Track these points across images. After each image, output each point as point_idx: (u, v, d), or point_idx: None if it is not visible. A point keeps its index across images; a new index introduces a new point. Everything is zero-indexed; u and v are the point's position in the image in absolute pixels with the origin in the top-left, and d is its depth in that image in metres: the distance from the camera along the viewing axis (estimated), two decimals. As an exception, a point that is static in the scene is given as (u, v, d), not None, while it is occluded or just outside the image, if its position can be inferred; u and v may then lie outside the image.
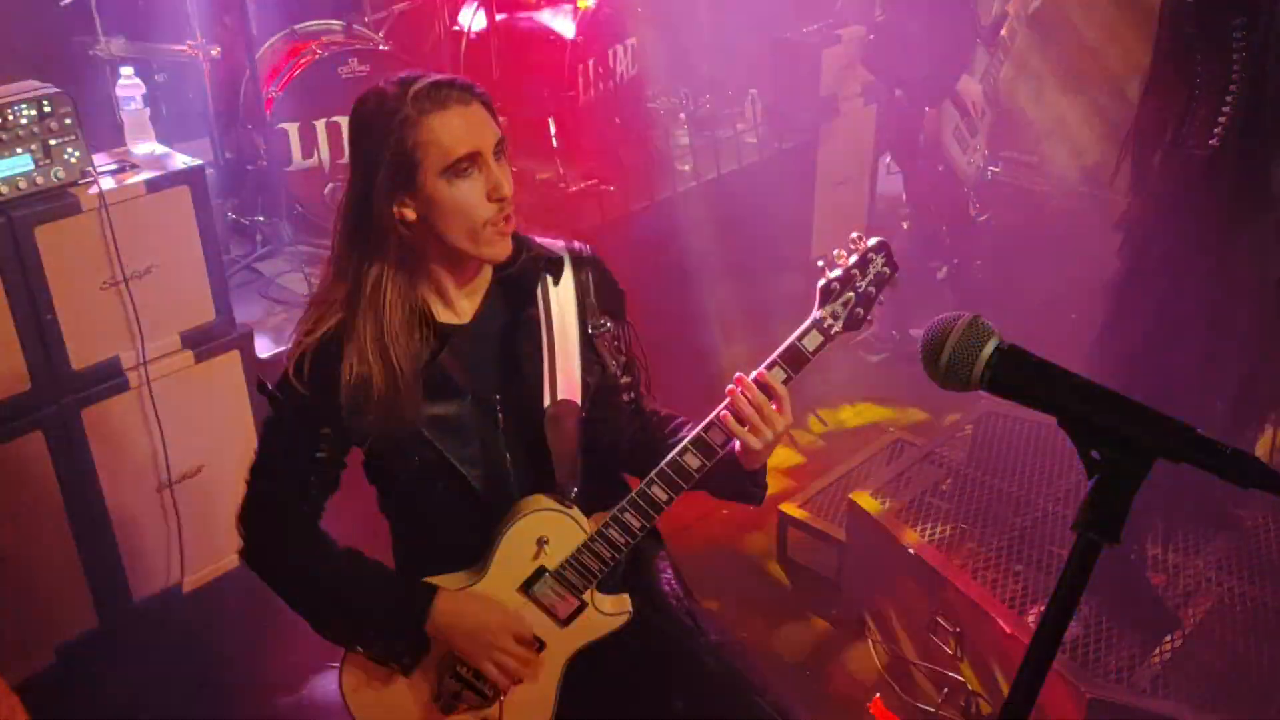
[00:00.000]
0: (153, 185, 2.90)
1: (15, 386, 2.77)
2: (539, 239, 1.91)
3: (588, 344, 1.86)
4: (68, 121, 2.76)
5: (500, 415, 1.82)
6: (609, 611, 1.87)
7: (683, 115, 4.92)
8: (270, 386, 1.84)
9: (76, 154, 2.79)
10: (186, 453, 3.09)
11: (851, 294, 1.74)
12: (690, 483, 1.76)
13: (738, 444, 1.75)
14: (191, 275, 3.05)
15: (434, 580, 1.84)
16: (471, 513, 1.84)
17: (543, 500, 1.83)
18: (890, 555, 2.96)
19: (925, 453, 3.37)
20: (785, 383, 1.73)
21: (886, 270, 1.76)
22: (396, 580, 1.85)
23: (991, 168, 4.36)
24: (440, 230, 1.69)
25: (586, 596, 1.84)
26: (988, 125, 4.27)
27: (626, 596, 1.88)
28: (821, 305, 1.74)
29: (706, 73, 5.24)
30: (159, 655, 3.02)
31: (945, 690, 2.74)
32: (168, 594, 3.16)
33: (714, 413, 1.76)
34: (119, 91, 3.06)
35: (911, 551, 2.87)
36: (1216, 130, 2.26)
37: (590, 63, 4.49)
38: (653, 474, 1.76)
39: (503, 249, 1.74)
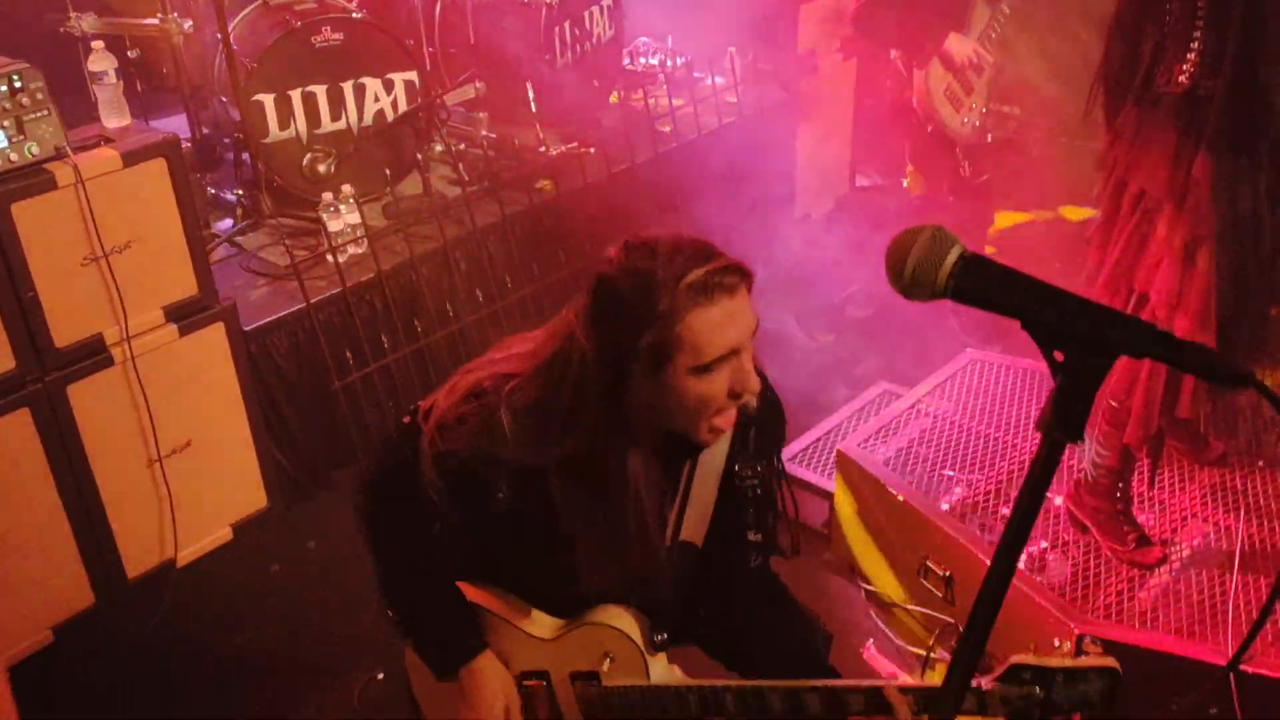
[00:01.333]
0: (129, 159, 2.89)
1: (-1, 365, 2.77)
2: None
3: (729, 486, 1.73)
4: (39, 97, 2.74)
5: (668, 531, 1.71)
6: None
7: (661, 76, 4.90)
8: (409, 420, 1.72)
9: (50, 129, 2.77)
10: (175, 427, 3.10)
11: (1035, 692, 1.47)
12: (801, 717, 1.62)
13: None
14: (172, 250, 3.04)
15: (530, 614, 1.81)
16: (562, 593, 1.77)
17: (637, 627, 1.75)
18: (880, 504, 2.98)
19: (912, 402, 3.39)
20: None
21: (1097, 701, 1.46)
22: (465, 625, 1.80)
23: (991, 131, 4.26)
24: (662, 411, 1.53)
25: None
26: (987, 82, 4.17)
27: (677, 669, 1.82)
28: (997, 680, 1.49)
29: (684, 33, 5.21)
30: (156, 631, 3.04)
31: (937, 633, 2.77)
32: (162, 569, 3.17)
33: (867, 684, 1.58)
34: (91, 67, 3.04)
35: (900, 499, 2.89)
36: (1186, 68, 2.26)
37: (566, 25, 4.47)
38: (744, 688, 1.63)
39: (712, 439, 1.58)
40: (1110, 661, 1.44)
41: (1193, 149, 2.32)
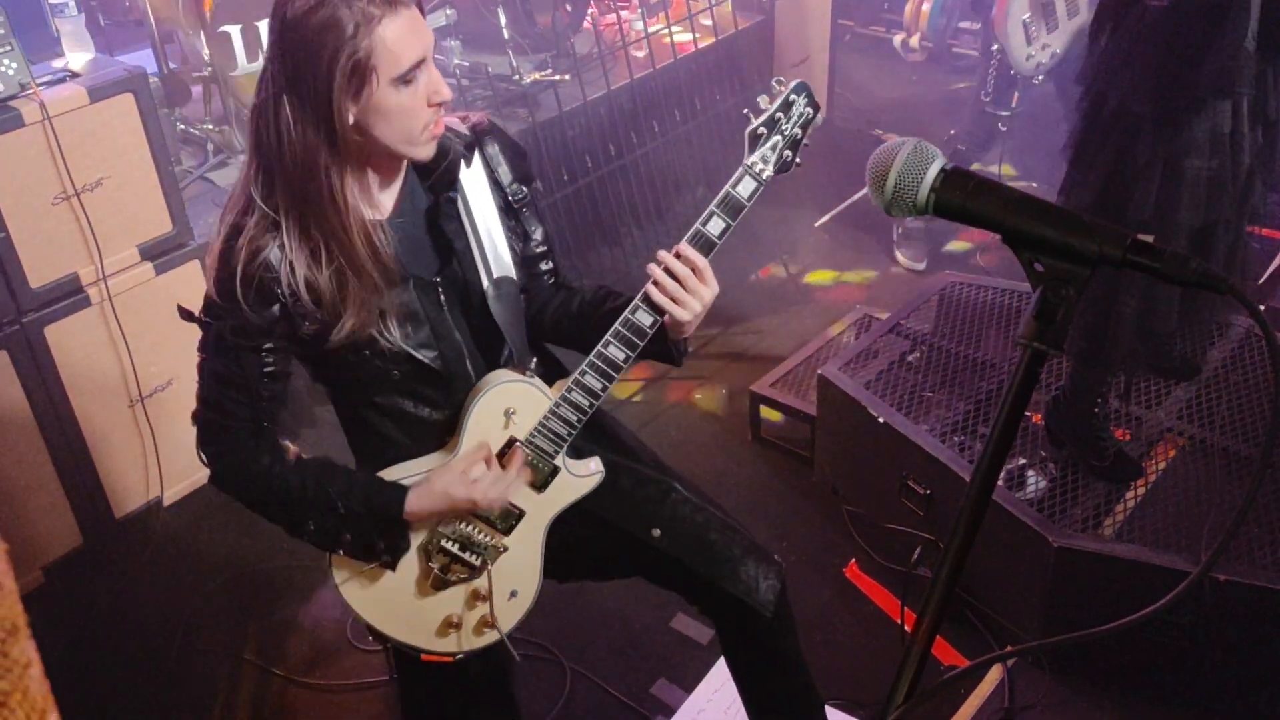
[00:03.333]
0: (95, 94, 2.84)
1: (-27, 308, 2.75)
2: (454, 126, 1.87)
3: (509, 213, 1.90)
4: (1, 32, 2.68)
5: (443, 296, 1.84)
6: (581, 474, 1.92)
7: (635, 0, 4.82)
8: (197, 313, 1.78)
9: (14, 66, 2.71)
10: (156, 366, 3.09)
11: (778, 137, 1.78)
12: (645, 339, 1.79)
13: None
14: (144, 186, 3.00)
15: (407, 464, 1.87)
16: (434, 393, 1.86)
17: (505, 374, 1.87)
18: (861, 426, 3.01)
19: (891, 325, 3.40)
20: (724, 232, 1.77)
21: (809, 110, 1.79)
22: (365, 481, 1.84)
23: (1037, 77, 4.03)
24: (378, 134, 1.65)
25: (558, 461, 1.89)
26: (1075, 26, 3.92)
27: (597, 458, 1.94)
28: (751, 151, 1.77)
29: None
30: (146, 569, 3.06)
31: (919, 549, 2.82)
32: (149, 508, 3.19)
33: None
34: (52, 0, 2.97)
35: (881, 420, 2.92)
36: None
37: (537, -51, 4.38)
38: (608, 335, 1.80)
39: (432, 149, 1.73)
40: (795, 81, 1.79)
41: (1174, 64, 2.31)
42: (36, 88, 2.74)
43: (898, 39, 5.72)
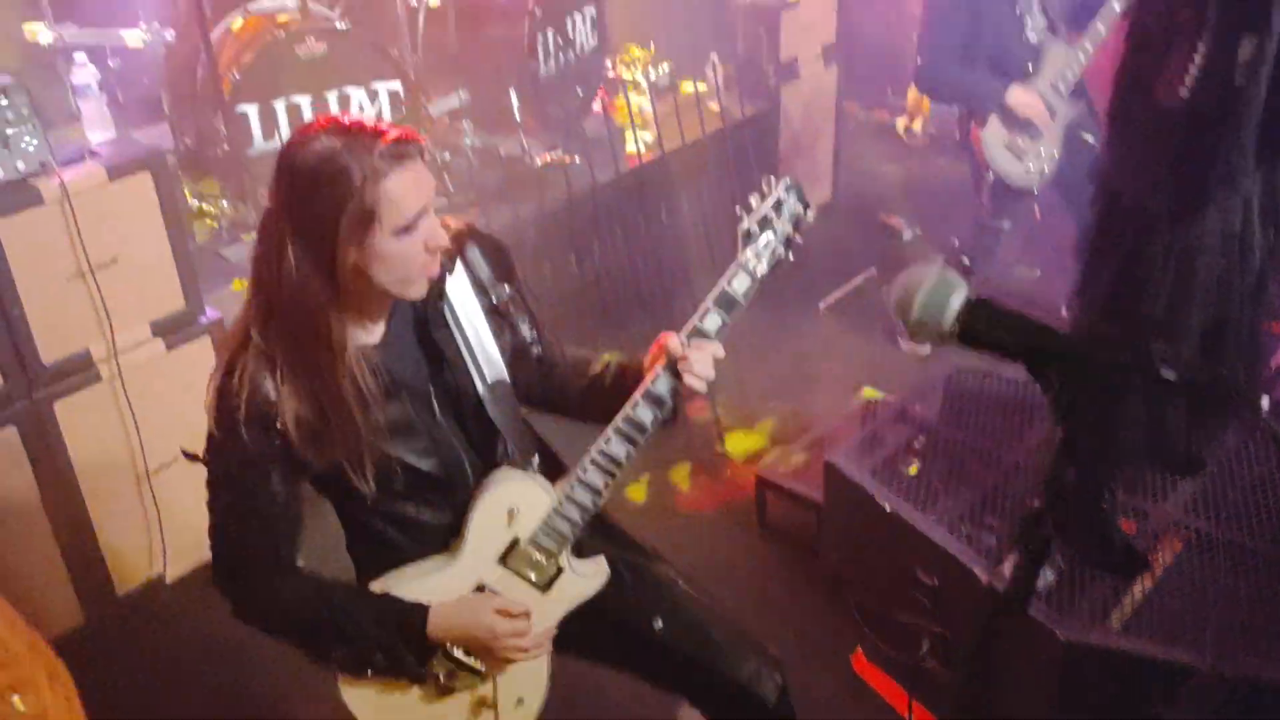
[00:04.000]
0: (114, 173, 2.88)
1: (-14, 382, 2.76)
2: None
3: (495, 314, 1.93)
4: (24, 112, 2.72)
5: (436, 404, 1.85)
6: (586, 573, 1.91)
7: (645, 83, 4.91)
8: (201, 454, 1.79)
9: (35, 143, 2.75)
10: (163, 443, 3.08)
11: (770, 234, 1.84)
12: (646, 435, 1.81)
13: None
14: (158, 263, 3.03)
15: (410, 566, 1.86)
16: (435, 497, 1.87)
17: (507, 472, 1.88)
18: (867, 514, 3.00)
19: (897, 411, 3.41)
20: (721, 328, 1.81)
21: (800, 207, 1.87)
22: (388, 605, 1.83)
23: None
24: (375, 277, 1.69)
25: (562, 561, 1.88)
26: (1061, 123, 3.92)
27: (601, 557, 1.94)
28: (743, 249, 1.83)
29: (667, 40, 5.23)
30: (147, 648, 3.03)
31: (927, 642, 2.80)
32: (152, 586, 3.16)
33: (660, 366, 1.82)
34: (74, 79, 3.02)
35: (888, 509, 2.91)
36: (1187, 80, 2.29)
37: (550, 33, 4.48)
38: (609, 431, 1.81)
39: (425, 288, 1.76)
40: (786, 181, 1.88)
41: (1187, 162, 2.34)
42: (57, 167, 2.78)
43: (900, 123, 5.82)
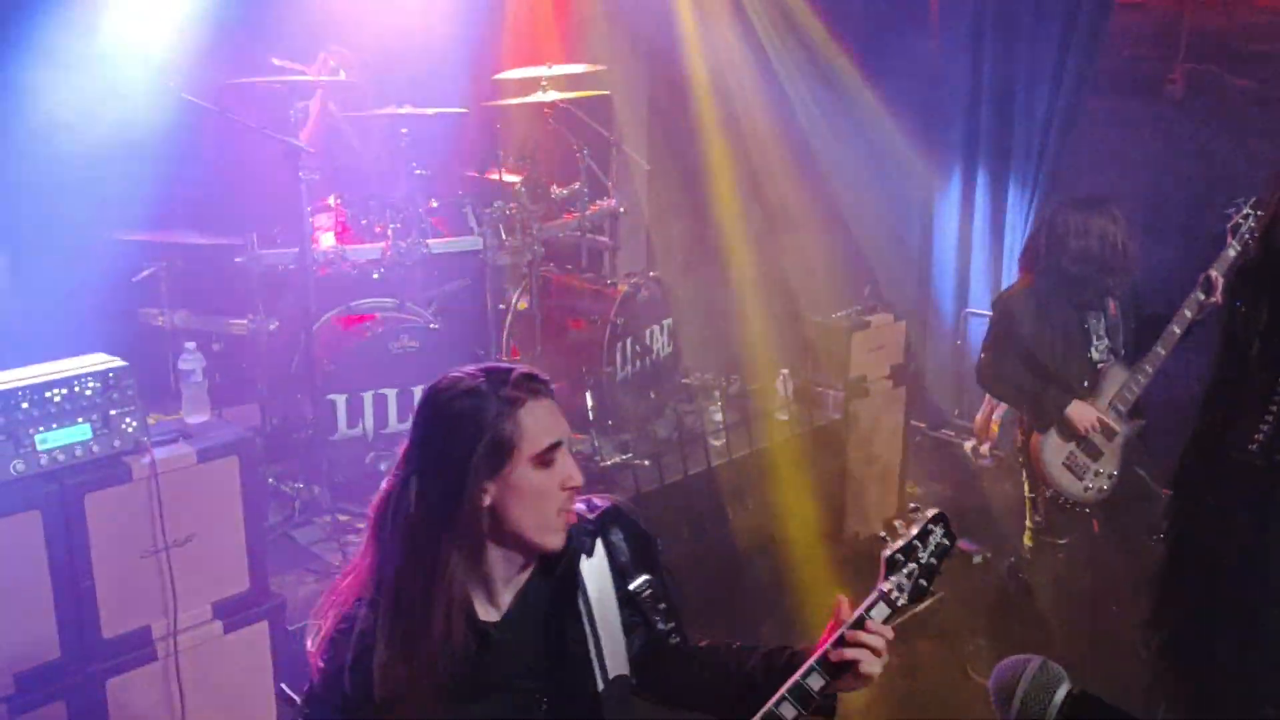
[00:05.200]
0: (204, 455, 2.98)
1: (45, 654, 2.75)
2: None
3: (629, 605, 1.87)
4: (129, 393, 2.87)
5: (545, 706, 1.78)
6: None
7: (716, 392, 5.05)
8: (300, 702, 1.77)
9: (134, 424, 2.88)
10: (208, 729, 3.01)
11: (914, 565, 1.76)
12: (812, 706, 1.73)
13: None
14: (230, 544, 3.07)
15: None
16: None
17: None
18: None
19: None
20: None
21: (946, 541, 1.78)
22: None
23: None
24: (513, 517, 1.69)
25: None
26: (1121, 442, 3.91)
27: None
28: (886, 577, 1.76)
29: (739, 353, 5.43)
30: None
31: None
32: None
33: (810, 661, 1.74)
34: (181, 365, 3.19)
35: None
36: (1257, 438, 2.30)
37: (628, 341, 4.67)
38: (784, 692, 1.72)
39: (563, 538, 1.75)
40: (934, 511, 1.79)
41: (1260, 519, 2.32)
42: (151, 447, 2.89)
43: (969, 445, 5.85)
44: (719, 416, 4.81)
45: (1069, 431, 3.87)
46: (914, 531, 1.78)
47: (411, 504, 1.68)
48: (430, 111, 4.78)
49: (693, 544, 4.36)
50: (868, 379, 5.12)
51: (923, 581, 1.76)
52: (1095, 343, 4.01)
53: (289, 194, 3.86)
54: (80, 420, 2.79)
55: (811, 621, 4.29)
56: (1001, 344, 4.01)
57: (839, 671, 1.71)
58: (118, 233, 4.14)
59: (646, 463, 4.40)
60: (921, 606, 4.51)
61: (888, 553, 1.77)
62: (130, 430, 2.88)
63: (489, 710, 1.74)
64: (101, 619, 2.83)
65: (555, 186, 4.96)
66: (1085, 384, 3.92)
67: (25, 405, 2.70)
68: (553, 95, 4.61)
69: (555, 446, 1.71)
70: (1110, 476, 3.93)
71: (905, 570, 1.75)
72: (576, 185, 4.85)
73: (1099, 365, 3.96)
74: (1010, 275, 5.58)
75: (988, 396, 5.18)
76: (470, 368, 1.76)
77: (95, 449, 2.82)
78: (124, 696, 2.86)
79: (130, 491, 2.85)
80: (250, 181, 4.30)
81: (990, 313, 4.64)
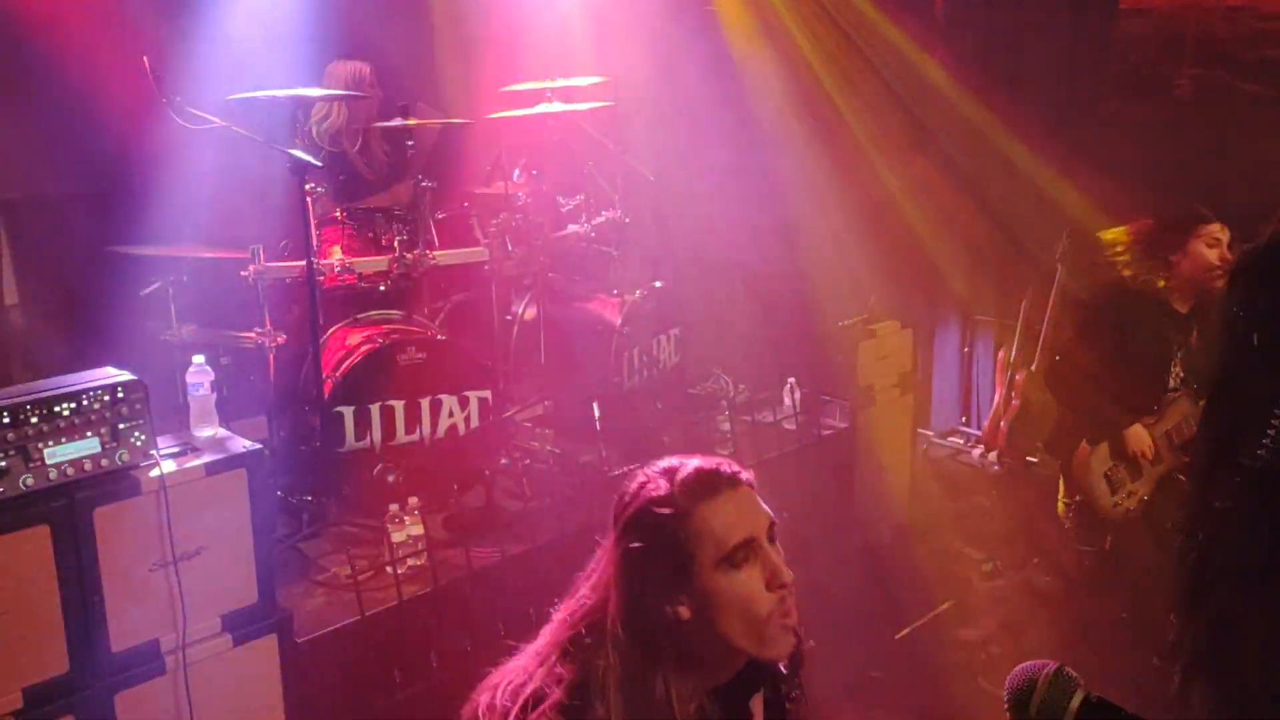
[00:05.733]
0: (212, 468, 2.98)
1: (53, 668, 2.74)
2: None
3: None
4: (138, 407, 2.87)
5: None
6: None
7: (723, 402, 5.05)
8: None
9: (143, 438, 2.88)
10: (217, 743, 3.00)
11: None
12: None
13: None
14: (239, 557, 3.07)
15: None
16: None
17: None
18: None
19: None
20: None
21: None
22: None
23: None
24: (720, 629, 1.56)
25: None
26: (1159, 473, 3.92)
27: None
28: None
29: (746, 362, 5.43)
30: None
31: None
32: None
33: None
34: (189, 379, 3.19)
35: None
36: (1265, 442, 2.29)
37: (635, 350, 4.67)
38: None
39: (787, 645, 1.60)
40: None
41: (1270, 526, 2.31)
42: (159, 460, 2.89)
43: (977, 452, 5.84)
44: (726, 426, 4.81)
45: (1120, 451, 3.86)
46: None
47: (618, 625, 1.58)
48: (436, 123, 4.81)
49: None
50: (875, 387, 5.12)
51: None
52: (1173, 371, 3.99)
53: (295, 207, 3.87)
54: (89, 434, 2.79)
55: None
56: (1090, 344, 3.94)
57: None
58: (123, 247, 4.15)
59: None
60: (934, 613, 4.56)
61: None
62: (139, 444, 2.88)
63: None
64: (110, 632, 2.83)
65: (561, 197, 4.97)
66: (1155, 408, 3.90)
67: (34, 420, 2.70)
68: (558, 106, 4.62)
69: (744, 544, 1.56)
70: (1142, 500, 3.92)
71: None
72: (582, 196, 4.86)
73: (1170, 392, 3.95)
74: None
75: (996, 403, 5.16)
76: (660, 466, 1.64)
77: (104, 463, 2.82)
78: (133, 710, 2.85)
79: (139, 505, 2.85)
80: (256, 195, 4.32)
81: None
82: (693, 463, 1.61)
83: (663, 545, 1.54)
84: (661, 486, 1.58)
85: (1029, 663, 0.91)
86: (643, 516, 1.57)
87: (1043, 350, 4.52)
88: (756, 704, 1.72)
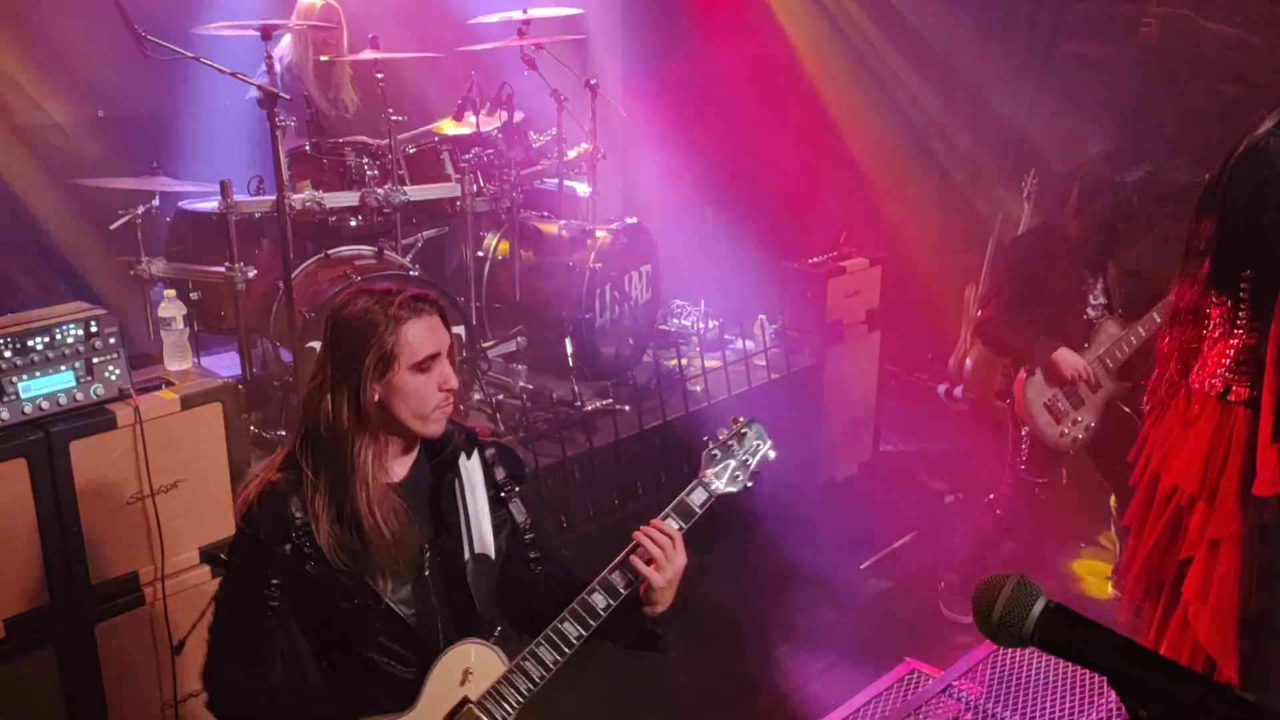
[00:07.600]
0: (187, 402, 2.99)
1: (34, 600, 2.78)
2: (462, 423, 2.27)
3: (497, 503, 2.23)
4: (112, 341, 2.88)
5: (427, 562, 2.12)
6: None
7: (694, 337, 5.09)
8: (226, 557, 2.07)
9: (117, 372, 2.89)
10: (194, 673, 3.04)
11: (731, 460, 2.17)
12: (598, 620, 2.05)
13: (642, 588, 2.06)
14: (216, 490, 3.09)
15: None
16: (405, 651, 2.08)
17: (470, 640, 2.12)
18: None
19: (942, 685, 3.31)
20: (679, 532, 2.09)
21: (758, 443, 2.20)
22: None
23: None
24: (397, 411, 2.04)
25: None
26: (1102, 399, 4.02)
27: None
28: (705, 469, 2.16)
29: (717, 298, 5.46)
30: None
31: None
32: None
33: (620, 557, 2.07)
34: (161, 313, 3.18)
35: (933, 790, 2.78)
36: (1220, 372, 2.36)
37: (607, 287, 4.69)
38: (565, 612, 2.06)
39: (440, 428, 2.11)
40: (750, 420, 2.25)
41: (1223, 451, 2.38)
42: (135, 394, 2.90)
43: (941, 388, 5.92)
44: (697, 362, 4.85)
45: (1055, 376, 3.94)
46: (731, 433, 2.20)
47: (328, 402, 2.01)
48: (406, 56, 4.75)
49: (670, 487, 4.42)
50: (843, 323, 5.17)
51: (738, 474, 2.16)
52: (1091, 300, 4.06)
53: (265, 140, 3.83)
54: (63, 368, 2.80)
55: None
56: (1012, 285, 4.03)
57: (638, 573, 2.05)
58: (92, 180, 4.10)
59: (626, 408, 4.45)
60: (897, 544, 4.68)
61: (706, 450, 2.17)
62: (113, 378, 2.89)
63: (400, 552, 2.06)
64: (89, 565, 2.86)
65: (533, 132, 4.94)
66: (1084, 342, 3.98)
67: (7, 354, 2.70)
68: (529, 40, 4.58)
69: (432, 356, 2.03)
70: (1087, 428, 3.99)
71: (721, 464, 2.16)
72: (554, 131, 4.84)
73: (1094, 320, 4.02)
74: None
75: (961, 339, 5.24)
76: (369, 288, 2.07)
77: (79, 396, 2.83)
78: (113, 641, 2.90)
79: (115, 438, 2.86)
80: (225, 128, 4.27)
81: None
82: (406, 288, 2.06)
83: (375, 343, 1.99)
84: (377, 303, 2.01)
85: (994, 575, 0.96)
86: (365, 315, 2.00)
87: (980, 301, 4.58)
88: (481, 501, 2.20)
